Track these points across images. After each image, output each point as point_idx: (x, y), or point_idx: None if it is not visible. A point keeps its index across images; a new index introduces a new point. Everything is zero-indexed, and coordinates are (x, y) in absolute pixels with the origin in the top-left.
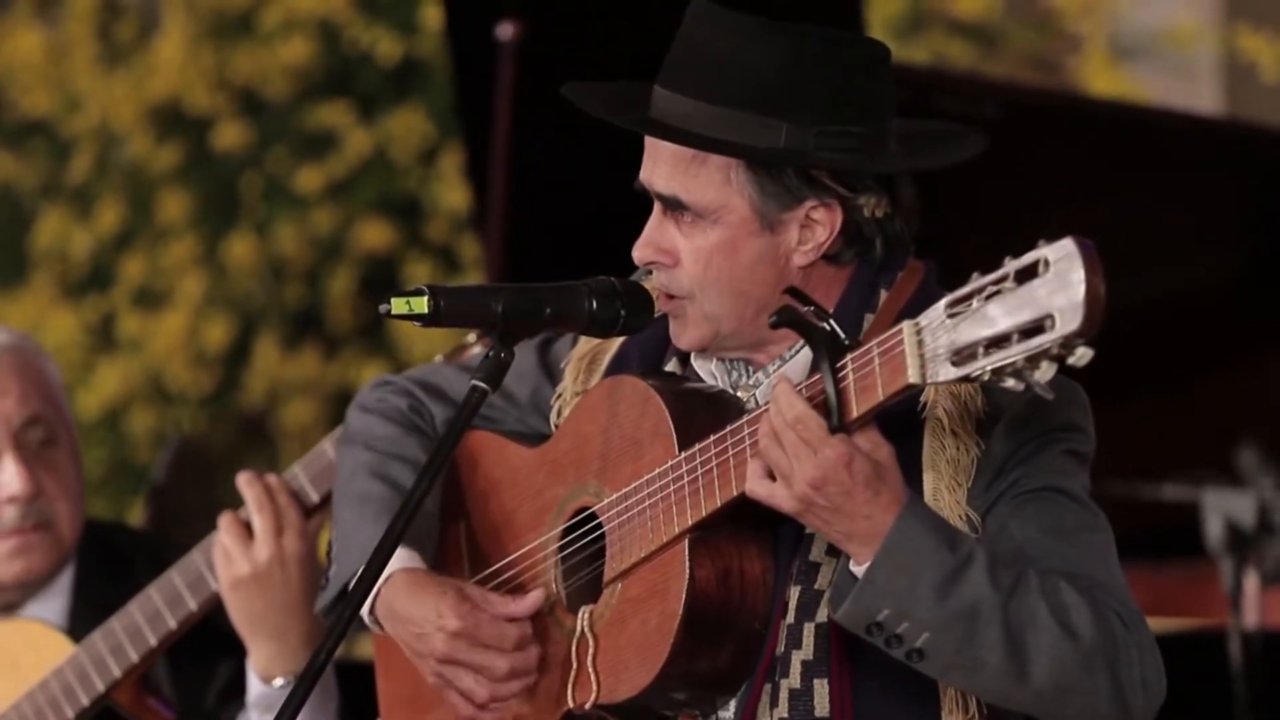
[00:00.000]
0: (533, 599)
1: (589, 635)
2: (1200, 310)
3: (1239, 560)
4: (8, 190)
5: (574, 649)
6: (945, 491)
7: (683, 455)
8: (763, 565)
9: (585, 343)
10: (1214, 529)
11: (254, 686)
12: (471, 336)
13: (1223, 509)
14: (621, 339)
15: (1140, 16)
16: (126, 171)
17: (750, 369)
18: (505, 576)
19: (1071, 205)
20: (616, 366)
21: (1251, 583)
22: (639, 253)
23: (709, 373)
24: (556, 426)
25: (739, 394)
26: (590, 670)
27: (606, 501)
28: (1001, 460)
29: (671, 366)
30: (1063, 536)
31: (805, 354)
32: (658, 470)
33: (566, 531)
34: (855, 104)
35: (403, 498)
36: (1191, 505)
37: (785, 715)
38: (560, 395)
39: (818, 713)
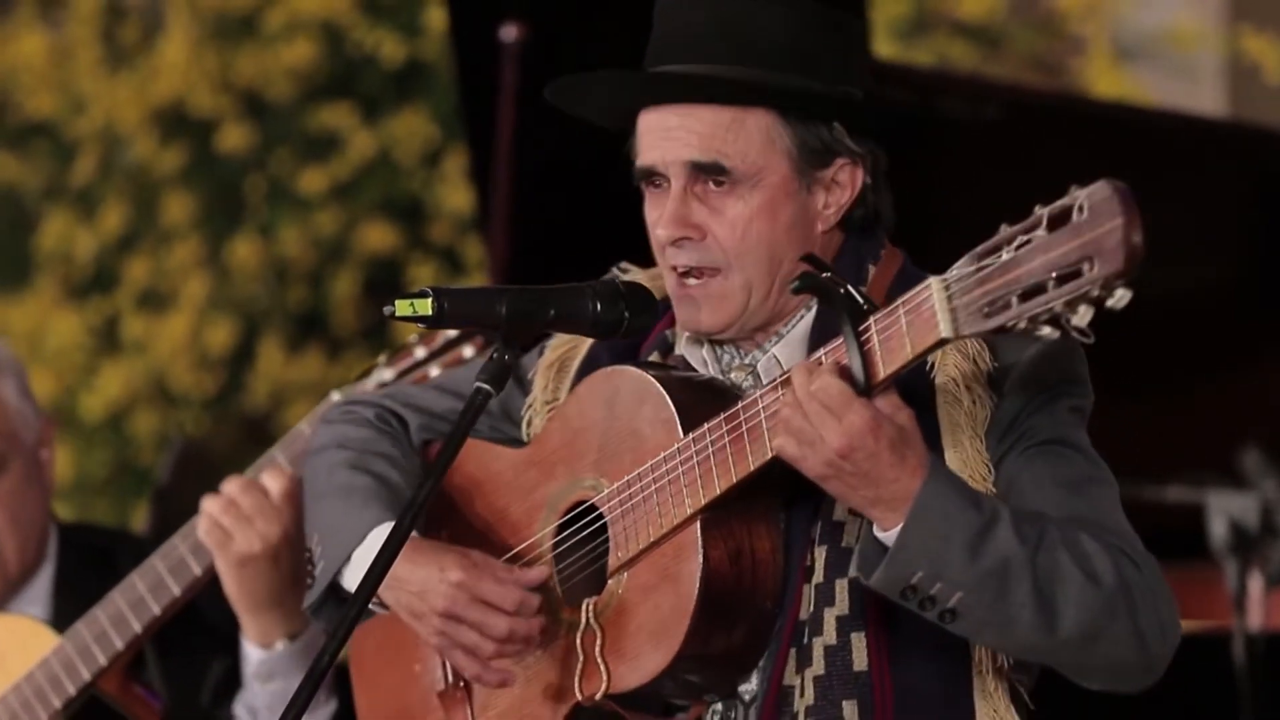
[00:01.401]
0: (537, 572)
1: (595, 626)
2: (1203, 311)
3: (1243, 562)
4: (11, 192)
5: (579, 641)
6: (967, 443)
7: (690, 437)
8: (771, 543)
9: (552, 351)
10: (1218, 531)
11: (253, 656)
12: (414, 337)
13: (1226, 511)
14: (589, 346)
15: (1143, 18)
16: (130, 173)
17: (741, 351)
18: None
19: None
20: (586, 370)
21: (1255, 584)
22: (667, 230)
23: (699, 359)
24: (530, 435)
25: (733, 375)
26: (599, 660)
27: (606, 492)
28: (1013, 413)
29: (653, 359)
30: (1072, 487)
31: (803, 328)
32: (663, 455)
33: (561, 528)
34: (855, 67)
35: (385, 487)
36: (1195, 507)
37: (822, 672)
38: (530, 405)
39: (856, 666)
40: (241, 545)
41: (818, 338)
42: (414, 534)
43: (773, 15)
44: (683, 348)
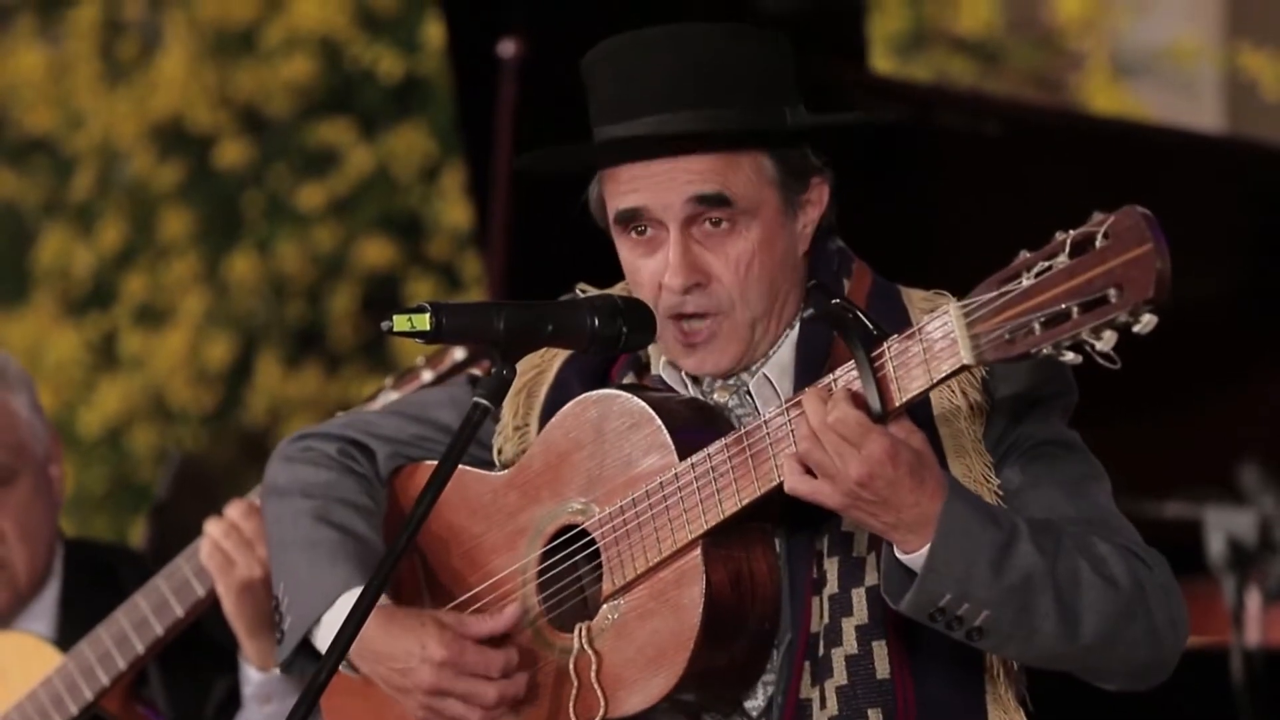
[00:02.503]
0: (509, 614)
1: (590, 651)
2: (1202, 326)
3: (1241, 577)
4: (10, 208)
5: (573, 666)
6: (970, 448)
7: (689, 462)
8: (768, 563)
9: (519, 378)
10: (1216, 546)
11: (252, 678)
12: (420, 360)
13: (1225, 526)
14: (557, 369)
15: (1141, 34)
16: (128, 189)
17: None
18: (479, 605)
19: (1073, 222)
20: (556, 394)
21: (1254, 600)
22: (680, 278)
23: (678, 380)
24: (501, 460)
25: (716, 396)
26: (595, 686)
27: (598, 517)
28: (1007, 418)
29: (628, 380)
30: (1072, 488)
31: (788, 347)
32: (659, 480)
33: (547, 554)
34: (797, 85)
35: (353, 542)
36: (1193, 523)
37: (844, 682)
38: (501, 431)
39: (879, 674)
40: (243, 570)
41: (803, 355)
42: (388, 602)
43: (738, 50)
44: (660, 368)
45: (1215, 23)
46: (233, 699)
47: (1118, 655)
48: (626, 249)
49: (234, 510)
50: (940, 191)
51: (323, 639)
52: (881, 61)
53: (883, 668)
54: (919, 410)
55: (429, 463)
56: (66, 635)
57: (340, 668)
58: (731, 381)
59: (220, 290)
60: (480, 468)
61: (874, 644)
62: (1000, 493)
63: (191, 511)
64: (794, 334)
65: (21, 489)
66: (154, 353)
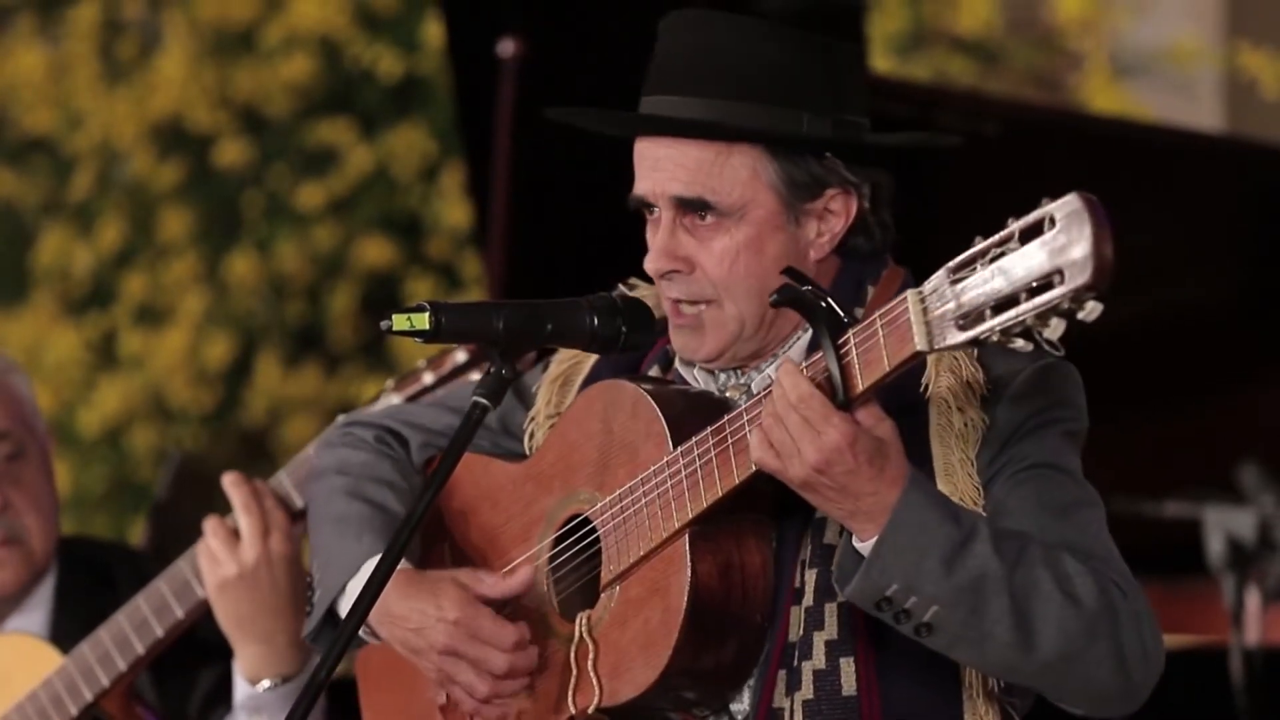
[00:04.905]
0: (522, 575)
1: (588, 640)
2: (1202, 327)
3: (1240, 577)
4: (9, 208)
5: (573, 655)
6: (958, 466)
7: (679, 450)
8: (762, 558)
9: (557, 366)
10: (1215, 546)
11: (241, 688)
12: (422, 363)
13: (1224, 526)
14: (593, 361)
15: (1141, 34)
16: (128, 189)
17: (738, 372)
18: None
19: None
20: (589, 385)
21: (1253, 599)
22: (655, 263)
23: (693, 377)
24: (531, 449)
25: (729, 394)
26: (591, 674)
27: (599, 505)
28: (1005, 435)
29: (653, 373)
30: (1060, 512)
31: (799, 350)
32: (653, 469)
33: (557, 541)
34: (853, 96)
35: (381, 515)
36: (1193, 522)
37: (810, 696)
38: (533, 419)
39: (845, 691)
40: (225, 569)
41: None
42: (409, 566)
43: (763, 45)
44: (681, 365)
45: (1215, 23)
46: (219, 691)
47: (1079, 676)
48: (647, 229)
49: (228, 481)
50: (940, 191)
51: (348, 609)
52: (881, 61)
53: (849, 685)
54: (914, 417)
55: None
56: (60, 632)
57: (362, 633)
58: (743, 380)
59: (220, 290)
60: (508, 457)
61: (841, 660)
62: (986, 514)
63: (191, 511)
64: (806, 337)
65: (32, 465)
66: (154, 353)
